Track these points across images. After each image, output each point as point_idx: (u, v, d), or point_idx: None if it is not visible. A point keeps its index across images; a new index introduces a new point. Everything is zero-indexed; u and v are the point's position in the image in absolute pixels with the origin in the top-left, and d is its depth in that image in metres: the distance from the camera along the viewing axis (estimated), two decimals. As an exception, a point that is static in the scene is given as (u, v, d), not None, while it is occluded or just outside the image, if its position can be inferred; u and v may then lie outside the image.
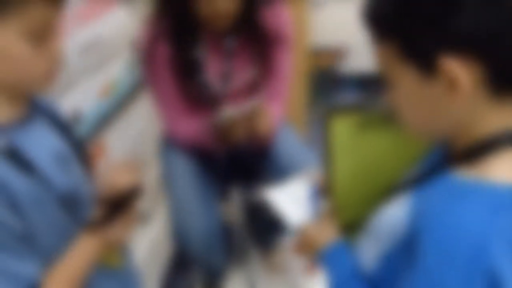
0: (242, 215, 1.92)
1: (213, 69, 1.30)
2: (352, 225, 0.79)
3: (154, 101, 1.39)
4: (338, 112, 0.78)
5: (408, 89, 0.58)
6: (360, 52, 3.44)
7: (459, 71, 0.52)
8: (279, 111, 1.40)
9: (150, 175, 1.86)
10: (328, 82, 3.33)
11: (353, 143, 0.75)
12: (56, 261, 0.74)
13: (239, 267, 1.94)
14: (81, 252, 0.76)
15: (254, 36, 1.27)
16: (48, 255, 0.73)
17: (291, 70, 1.42)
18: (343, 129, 0.75)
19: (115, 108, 1.77)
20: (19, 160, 0.69)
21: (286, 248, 1.94)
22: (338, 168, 0.77)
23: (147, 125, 2.25)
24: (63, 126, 0.82)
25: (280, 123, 1.40)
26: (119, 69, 1.80)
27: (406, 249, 0.58)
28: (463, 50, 0.51)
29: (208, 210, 1.36)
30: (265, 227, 1.77)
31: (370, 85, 3.50)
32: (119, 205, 0.78)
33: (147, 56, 1.28)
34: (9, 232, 0.67)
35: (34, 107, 0.78)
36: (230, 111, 1.23)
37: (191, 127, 1.34)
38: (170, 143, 1.45)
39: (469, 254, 0.50)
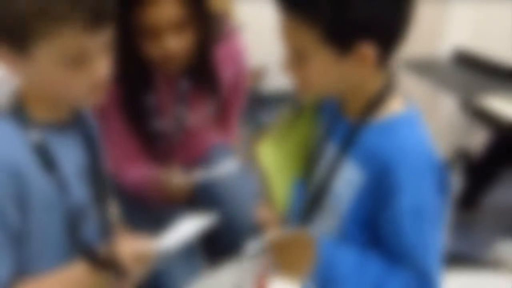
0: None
1: (165, 114, 1.24)
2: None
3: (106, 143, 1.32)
4: (257, 138, 0.97)
5: (322, 64, 0.74)
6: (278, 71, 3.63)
7: (369, 50, 0.72)
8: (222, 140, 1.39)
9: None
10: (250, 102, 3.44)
11: (274, 156, 0.93)
12: (42, 273, 0.73)
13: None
14: (73, 278, 0.75)
15: (207, 77, 1.21)
16: (34, 262, 0.72)
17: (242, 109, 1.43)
18: (265, 151, 0.93)
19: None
20: (46, 159, 0.71)
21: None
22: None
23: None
24: (92, 143, 0.84)
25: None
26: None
27: (373, 195, 0.75)
28: (369, 36, 0.71)
29: None
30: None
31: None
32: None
33: None
34: (2, 227, 0.67)
35: (76, 117, 0.81)
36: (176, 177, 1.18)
37: (136, 175, 1.25)
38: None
39: (427, 161, 0.74)
